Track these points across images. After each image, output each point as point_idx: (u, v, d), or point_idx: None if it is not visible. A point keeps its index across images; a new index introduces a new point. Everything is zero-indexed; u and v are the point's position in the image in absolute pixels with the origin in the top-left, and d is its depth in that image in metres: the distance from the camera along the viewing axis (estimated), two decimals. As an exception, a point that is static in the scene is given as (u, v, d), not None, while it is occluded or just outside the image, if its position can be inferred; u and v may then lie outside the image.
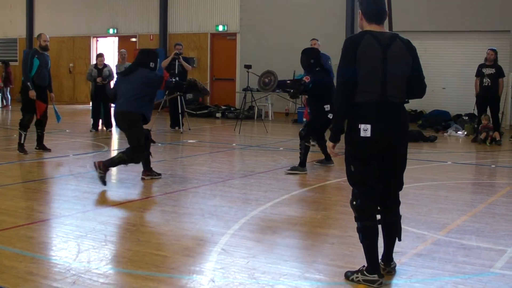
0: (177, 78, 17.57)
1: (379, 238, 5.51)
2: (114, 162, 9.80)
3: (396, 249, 6.36)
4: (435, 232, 7.12)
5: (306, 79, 11.39)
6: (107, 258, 6.21)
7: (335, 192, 9.65)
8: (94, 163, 9.77)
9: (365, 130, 5.22)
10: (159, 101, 20.43)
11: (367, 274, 5.43)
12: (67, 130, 17.76)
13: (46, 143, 13.64)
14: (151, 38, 28.23)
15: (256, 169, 11.69)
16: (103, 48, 29.05)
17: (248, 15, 25.63)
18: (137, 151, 9.89)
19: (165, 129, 18.79)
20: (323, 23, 23.85)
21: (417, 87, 5.46)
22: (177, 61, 18.14)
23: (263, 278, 5.63)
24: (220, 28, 26.58)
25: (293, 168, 11.34)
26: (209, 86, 26.88)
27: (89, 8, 29.11)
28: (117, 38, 29.41)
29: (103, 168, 9.62)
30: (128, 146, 9.94)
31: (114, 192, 9.48)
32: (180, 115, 18.11)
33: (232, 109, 24.20)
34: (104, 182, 9.55)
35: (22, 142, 13.00)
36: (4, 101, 27.66)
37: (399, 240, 5.77)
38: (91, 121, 18.63)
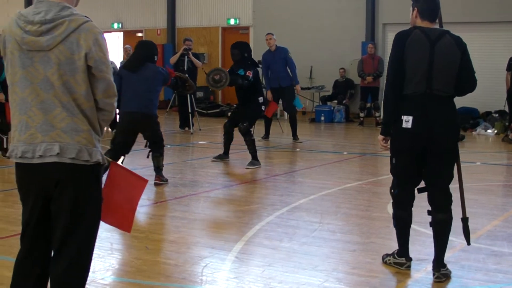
0: (186, 75, 17.66)
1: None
2: (161, 167, 10.21)
3: (421, 256, 6.40)
4: (463, 238, 7.09)
5: (249, 73, 11.94)
6: (114, 267, 6.23)
7: (355, 196, 9.63)
8: (155, 183, 10.09)
9: (407, 121, 5.68)
10: None
11: (396, 257, 6.11)
12: None
13: None
14: (158, 33, 28.29)
15: (271, 171, 11.70)
16: (107, 43, 29.08)
17: (262, 8, 25.61)
18: (161, 144, 10.26)
19: (174, 130, 18.82)
20: (340, 14, 23.82)
21: (466, 82, 5.85)
22: (186, 57, 18.15)
23: (280, 287, 5.65)
24: (232, 21, 26.60)
25: (252, 163, 12.00)
26: (221, 83, 26.90)
27: (91, 1, 29.18)
28: (122, 33, 29.46)
29: (161, 179, 10.15)
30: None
31: (121, 197, 9.49)
32: (190, 114, 18.12)
33: (245, 108, 24.18)
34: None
35: (5, 146, 12.87)
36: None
37: (468, 244, 6.19)
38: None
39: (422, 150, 5.74)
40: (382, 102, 6.29)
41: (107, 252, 6.61)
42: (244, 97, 12.22)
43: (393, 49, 5.83)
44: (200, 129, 18.64)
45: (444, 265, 5.91)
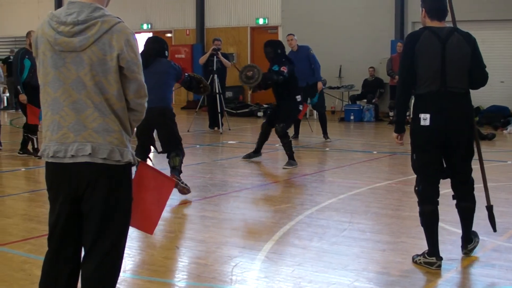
0: (215, 75, 17.71)
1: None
2: (177, 168, 9.44)
3: (452, 255, 6.37)
4: (495, 238, 7.05)
5: (284, 69, 11.62)
6: (144, 267, 6.26)
7: (385, 195, 9.59)
8: (177, 188, 9.22)
9: (425, 119, 5.92)
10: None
11: (426, 257, 6.11)
12: None
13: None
14: (187, 33, 28.37)
15: (300, 171, 11.69)
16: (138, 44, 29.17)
17: (290, 7, 25.59)
18: (181, 146, 9.59)
19: (204, 130, 18.86)
20: (370, 13, 23.72)
21: (478, 76, 6.09)
22: (215, 57, 18.19)
23: (310, 287, 5.64)
24: (261, 21, 26.61)
25: (289, 163, 11.85)
26: (250, 83, 26.92)
27: (122, 2, 29.32)
28: (151, 34, 29.55)
29: (178, 181, 9.23)
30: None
31: (151, 197, 9.51)
32: (219, 114, 18.14)
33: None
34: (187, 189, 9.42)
35: (36, 147, 13.06)
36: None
37: (494, 230, 6.64)
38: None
39: (441, 145, 6.00)
40: (395, 101, 6.56)
41: (137, 252, 6.64)
42: (280, 94, 12.01)
43: (403, 50, 6.13)
44: (229, 129, 18.66)
45: (471, 240, 6.40)
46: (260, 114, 23.58)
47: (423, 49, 5.92)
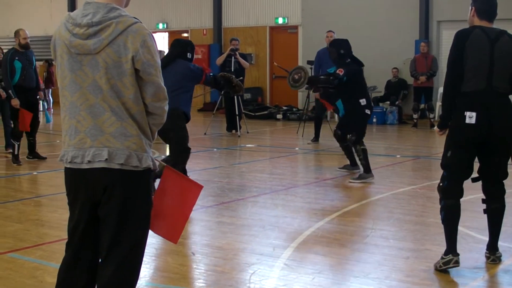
0: (230, 75, 17.67)
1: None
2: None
3: (478, 264, 6.34)
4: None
5: (340, 71, 11.15)
6: (158, 274, 6.27)
7: (409, 201, 9.55)
8: None
9: (471, 117, 6.02)
10: (197, 96, 20.48)
11: (443, 257, 6.15)
12: (58, 141, 17.67)
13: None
14: (204, 33, 28.42)
15: (321, 175, 11.67)
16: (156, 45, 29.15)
17: (311, 6, 25.55)
18: (184, 155, 9.51)
19: (221, 133, 18.89)
20: (393, 11, 23.62)
21: None
22: (233, 57, 18.19)
23: (330, 296, 5.63)
24: (280, 20, 26.59)
25: (359, 177, 11.10)
26: (269, 84, 26.92)
27: (136, 1, 29.33)
28: (167, 33, 29.65)
29: None
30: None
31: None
32: (237, 117, 18.14)
33: (294, 109, 24.14)
34: None
35: (16, 153, 12.89)
36: (46, 103, 27.89)
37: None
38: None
39: (480, 144, 6.13)
40: (441, 98, 6.60)
41: (152, 258, 6.65)
42: (342, 97, 11.56)
43: (452, 48, 6.18)
44: (247, 132, 18.66)
45: (498, 249, 6.39)
46: (279, 116, 23.55)
47: (472, 47, 6.05)
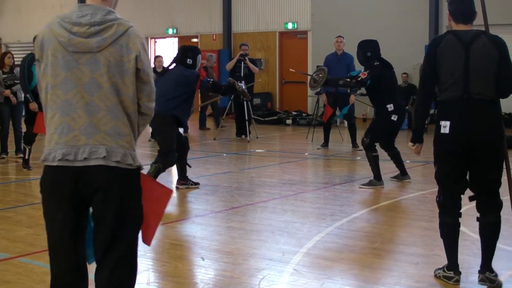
0: (243, 82, 17.66)
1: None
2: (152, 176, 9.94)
3: (472, 267, 6.29)
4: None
5: (363, 75, 10.92)
6: (168, 279, 6.27)
7: (419, 206, 9.53)
8: None
9: (445, 126, 5.77)
10: (206, 103, 20.52)
11: (446, 270, 6.04)
12: None
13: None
14: (214, 38, 28.44)
15: (331, 180, 11.66)
16: (162, 50, 29.25)
17: (321, 11, 25.55)
18: (168, 157, 10.06)
19: (231, 138, 18.88)
20: (403, 17, 23.62)
21: (506, 83, 5.80)
22: (242, 63, 18.19)
23: (340, 301, 5.62)
24: (290, 26, 26.60)
25: (369, 183, 11.00)
26: (278, 90, 26.92)
27: (146, 6, 29.40)
28: (176, 38, 29.68)
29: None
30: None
31: (176, 207, 9.56)
32: (246, 122, 18.15)
33: (304, 115, 24.12)
34: None
35: (27, 158, 12.99)
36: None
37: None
38: (149, 129, 18.76)
39: (464, 155, 5.79)
40: (414, 108, 6.33)
41: (161, 263, 6.65)
42: (372, 101, 11.47)
43: (424, 61, 6.03)
44: (257, 137, 18.64)
45: (492, 271, 5.93)
46: (289, 121, 23.54)
47: (444, 54, 5.78)
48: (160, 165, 10.02)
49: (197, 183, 10.74)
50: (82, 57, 3.89)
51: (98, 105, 3.88)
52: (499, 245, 6.03)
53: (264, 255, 6.99)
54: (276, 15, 26.90)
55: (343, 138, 17.96)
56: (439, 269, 6.15)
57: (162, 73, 10.53)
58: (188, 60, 10.14)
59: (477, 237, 6.26)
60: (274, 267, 6.55)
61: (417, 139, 6.19)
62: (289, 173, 12.65)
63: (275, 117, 24.10)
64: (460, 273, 5.97)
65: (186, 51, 10.32)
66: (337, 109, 16.12)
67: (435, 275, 6.15)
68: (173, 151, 10.07)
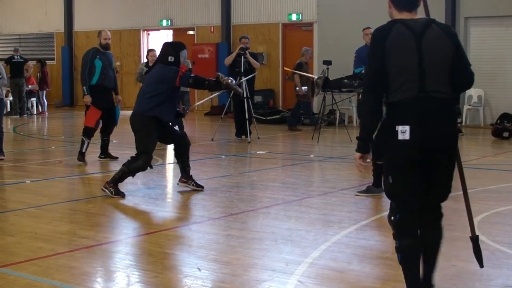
0: (243, 77, 17.64)
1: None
2: (115, 178, 10.31)
3: (509, 282, 6.29)
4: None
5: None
6: (162, 291, 6.26)
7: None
8: (103, 188, 10.36)
9: (403, 132, 5.29)
10: (201, 102, 20.55)
11: None
12: (114, 141, 17.26)
13: (90, 155, 13.97)
14: (212, 30, 28.45)
15: (338, 185, 11.65)
16: (156, 43, 29.16)
17: (327, 1, 25.52)
18: (142, 158, 10.21)
19: (230, 138, 18.90)
20: (417, 8, 23.58)
21: (462, 77, 5.52)
22: (243, 57, 18.17)
23: (348, 316, 5.61)
24: (294, 17, 26.60)
25: (367, 190, 10.70)
26: (281, 86, 26.92)
27: (139, -4, 29.50)
28: (171, 31, 29.69)
29: (109, 185, 10.27)
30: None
31: (172, 213, 9.56)
32: (247, 121, 18.13)
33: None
34: (120, 194, 10.26)
35: (83, 150, 13.79)
36: (40, 106, 27.74)
37: (481, 266, 5.86)
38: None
39: (422, 163, 5.42)
40: (360, 117, 5.86)
41: (155, 274, 6.63)
42: None
43: (370, 49, 5.50)
44: (258, 138, 18.65)
45: (432, 285, 5.70)
46: (292, 121, 23.53)
47: (395, 46, 5.32)
48: (125, 168, 10.24)
49: (200, 186, 10.75)
50: None
51: None
52: (502, 248, 6.04)
53: (266, 266, 6.98)
54: (279, 6, 26.87)
55: (351, 139, 17.95)
56: None
57: (147, 71, 10.79)
58: (169, 57, 10.38)
59: (497, 246, 6.25)
60: (277, 278, 6.54)
61: (365, 149, 5.62)
62: (293, 176, 12.65)
63: (278, 116, 24.10)
64: None
65: (167, 48, 10.60)
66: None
67: None
68: (145, 155, 10.25)
